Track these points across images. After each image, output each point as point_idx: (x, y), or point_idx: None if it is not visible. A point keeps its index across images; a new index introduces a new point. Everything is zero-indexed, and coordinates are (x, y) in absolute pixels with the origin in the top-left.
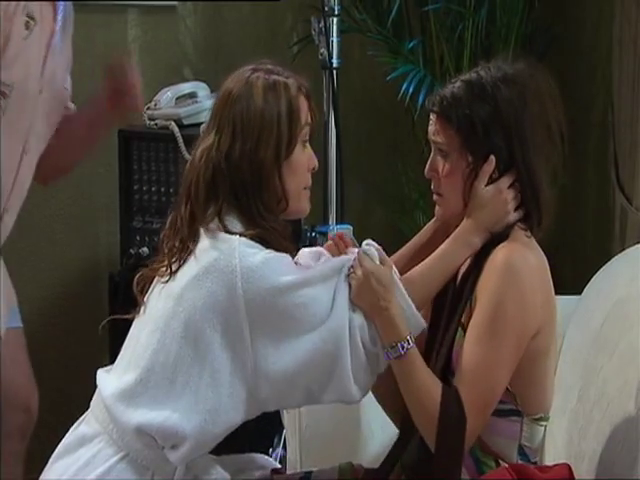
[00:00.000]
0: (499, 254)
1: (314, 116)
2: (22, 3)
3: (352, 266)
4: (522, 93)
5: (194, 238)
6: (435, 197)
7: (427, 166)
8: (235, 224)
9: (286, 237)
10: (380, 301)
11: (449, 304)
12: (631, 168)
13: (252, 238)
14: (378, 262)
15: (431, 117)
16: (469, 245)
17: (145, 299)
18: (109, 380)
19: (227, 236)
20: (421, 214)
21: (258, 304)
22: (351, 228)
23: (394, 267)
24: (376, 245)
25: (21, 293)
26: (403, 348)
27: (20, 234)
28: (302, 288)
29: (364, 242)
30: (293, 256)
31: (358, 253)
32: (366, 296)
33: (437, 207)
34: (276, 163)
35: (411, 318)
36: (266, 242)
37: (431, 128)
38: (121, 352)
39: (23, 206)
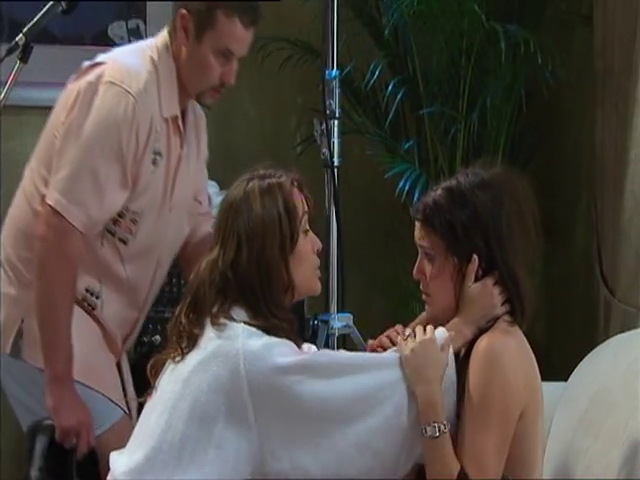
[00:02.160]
0: (482, 343)
1: (310, 203)
2: (150, 143)
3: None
4: (498, 196)
5: (201, 327)
6: (424, 297)
7: (415, 268)
8: (241, 314)
9: (293, 331)
10: (440, 369)
11: None
12: (614, 263)
13: (257, 327)
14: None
15: (416, 223)
16: (460, 336)
17: (157, 382)
18: (121, 460)
19: (232, 323)
20: (417, 304)
21: (261, 384)
22: (351, 316)
23: None
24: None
25: None
26: (439, 430)
27: None
28: (303, 373)
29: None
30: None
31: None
32: (431, 369)
33: (426, 306)
34: (282, 259)
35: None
36: (271, 332)
37: (417, 233)
38: (133, 433)
39: None
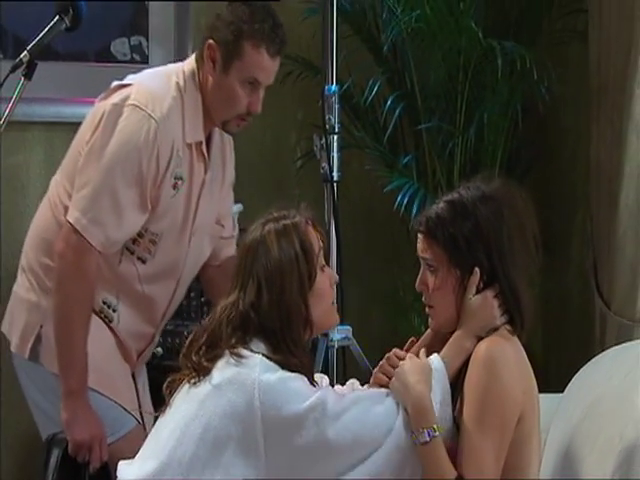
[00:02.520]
0: (480, 348)
1: (323, 238)
2: (171, 168)
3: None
4: (499, 209)
5: (214, 360)
6: (427, 309)
7: (418, 280)
8: (261, 347)
9: (308, 368)
10: (422, 374)
11: None
12: (609, 275)
13: (275, 362)
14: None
15: (419, 236)
16: (462, 350)
17: (171, 399)
18: (129, 470)
19: (251, 354)
20: (416, 316)
21: (273, 418)
22: (350, 329)
23: None
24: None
25: None
26: (429, 435)
27: None
28: (314, 411)
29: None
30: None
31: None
32: (415, 375)
33: (430, 319)
34: (302, 298)
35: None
36: (287, 367)
37: (419, 246)
38: (144, 445)
39: None
